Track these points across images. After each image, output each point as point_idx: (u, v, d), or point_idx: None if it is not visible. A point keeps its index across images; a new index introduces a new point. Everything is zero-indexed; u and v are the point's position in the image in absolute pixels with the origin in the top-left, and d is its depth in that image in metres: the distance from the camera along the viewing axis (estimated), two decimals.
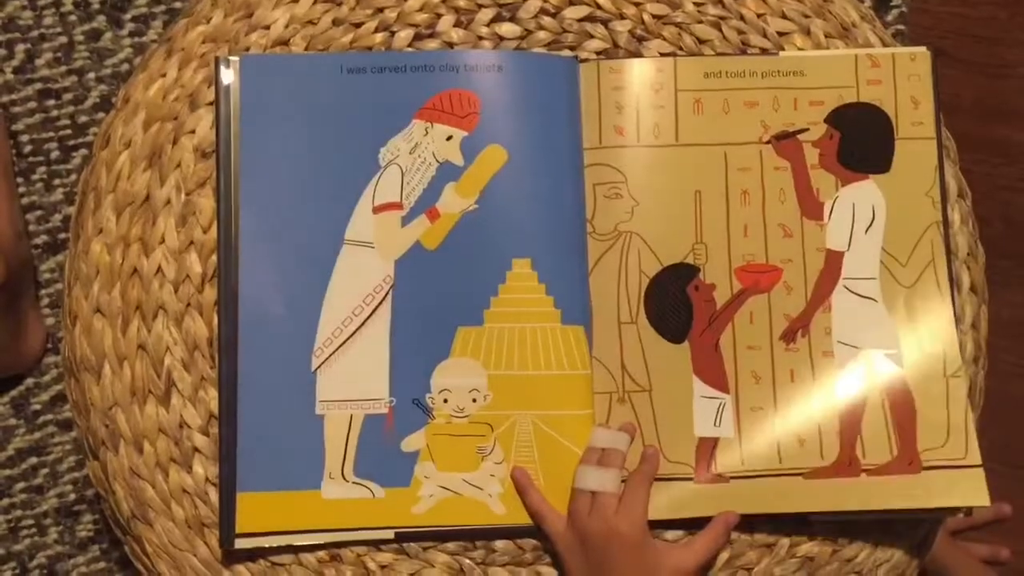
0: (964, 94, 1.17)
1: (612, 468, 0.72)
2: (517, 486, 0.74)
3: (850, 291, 0.76)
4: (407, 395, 0.74)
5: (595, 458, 0.73)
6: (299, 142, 0.76)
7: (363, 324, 0.75)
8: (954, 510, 0.75)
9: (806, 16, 0.80)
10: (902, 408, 0.75)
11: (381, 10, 0.78)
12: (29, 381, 1.07)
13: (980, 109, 1.17)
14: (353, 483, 0.73)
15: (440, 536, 0.75)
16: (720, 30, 0.79)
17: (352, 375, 0.74)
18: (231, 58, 0.76)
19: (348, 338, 0.74)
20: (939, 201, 0.77)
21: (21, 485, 1.05)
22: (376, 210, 0.75)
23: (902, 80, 0.78)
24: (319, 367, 0.74)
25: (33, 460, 1.06)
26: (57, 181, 1.09)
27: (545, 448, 0.74)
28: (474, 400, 0.74)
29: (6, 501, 1.05)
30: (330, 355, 0.74)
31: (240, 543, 0.73)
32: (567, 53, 0.78)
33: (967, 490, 0.74)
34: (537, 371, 0.74)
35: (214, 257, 0.75)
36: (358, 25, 0.78)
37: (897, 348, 0.76)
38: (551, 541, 0.73)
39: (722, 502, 0.74)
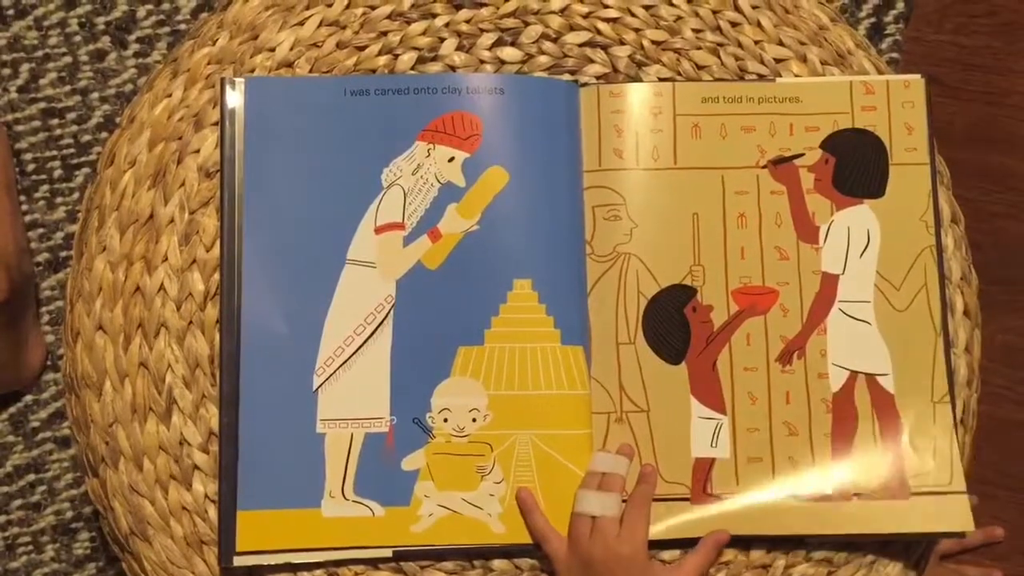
0: (957, 121, 1.18)
1: (613, 492, 0.72)
2: (522, 506, 0.74)
3: (845, 314, 0.77)
4: (407, 414, 0.75)
5: (595, 482, 0.73)
6: (302, 163, 0.76)
7: (364, 343, 0.75)
8: (943, 534, 0.76)
9: (802, 43, 0.81)
10: (891, 432, 0.76)
11: (385, 33, 0.79)
12: (28, 398, 1.07)
13: (973, 136, 1.18)
14: (353, 501, 0.74)
15: (438, 555, 0.75)
16: (718, 56, 0.80)
17: (353, 394, 0.75)
18: (236, 79, 0.77)
19: (349, 357, 0.75)
20: (933, 226, 0.78)
21: (18, 502, 1.05)
22: (378, 230, 0.76)
23: (896, 106, 0.79)
24: (320, 386, 0.75)
25: (31, 477, 1.06)
26: (59, 199, 1.09)
27: (544, 468, 0.74)
28: (474, 420, 0.75)
29: (3, 518, 1.05)
30: (331, 374, 0.75)
31: (239, 560, 0.73)
32: (568, 77, 0.79)
33: (953, 516, 0.75)
34: (537, 391, 0.75)
35: (216, 275, 0.76)
36: (362, 48, 0.79)
37: (889, 371, 0.76)
38: (552, 563, 0.73)
39: (718, 523, 0.74)
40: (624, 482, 0.74)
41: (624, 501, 0.73)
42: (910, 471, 0.75)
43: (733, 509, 0.75)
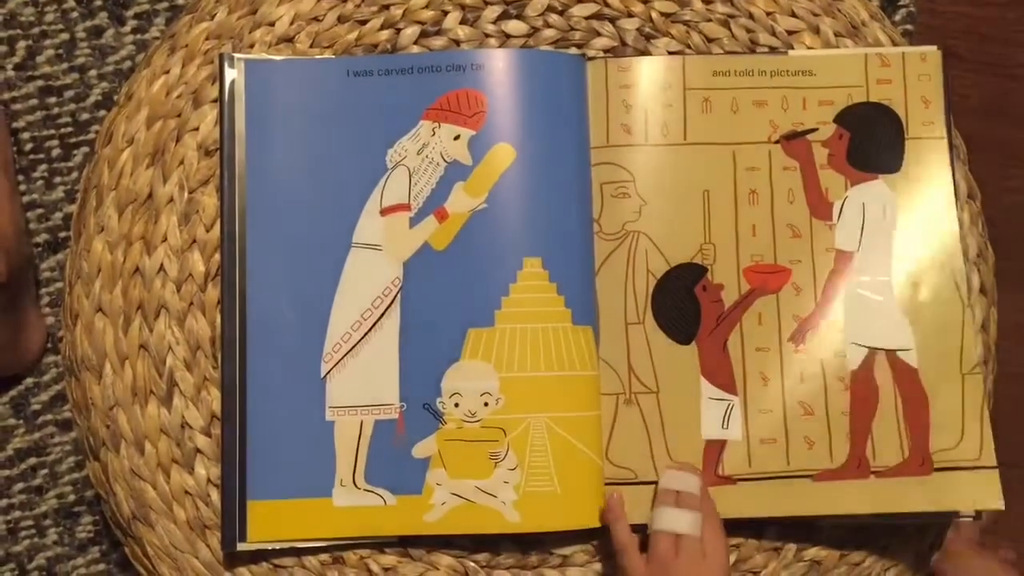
0: (972, 95, 1.16)
1: (695, 510, 0.70)
2: (610, 514, 0.71)
3: (861, 291, 0.75)
4: (418, 399, 0.73)
5: (671, 499, 0.71)
6: (305, 144, 0.75)
7: (372, 328, 0.74)
8: (965, 515, 0.74)
9: (815, 14, 0.79)
10: (915, 407, 0.74)
11: (387, 7, 0.77)
12: (28, 381, 1.06)
13: (988, 110, 1.16)
14: (365, 490, 0.73)
15: (445, 540, 0.74)
16: (729, 28, 0.78)
17: (362, 380, 0.73)
18: (236, 56, 0.75)
19: (357, 343, 0.74)
20: (952, 200, 0.76)
21: (20, 486, 1.04)
22: (384, 212, 0.75)
23: (912, 79, 0.77)
24: (328, 373, 0.73)
25: (32, 461, 1.05)
26: (58, 179, 1.08)
27: (560, 453, 0.73)
28: (486, 404, 0.73)
29: (5, 502, 1.04)
30: (339, 360, 0.73)
31: (242, 546, 0.72)
32: (574, 51, 0.78)
33: (980, 492, 0.73)
34: (550, 372, 0.73)
35: (217, 256, 0.75)
36: (363, 22, 0.77)
37: (911, 347, 0.75)
38: None
39: (729, 505, 0.73)
40: (699, 501, 0.71)
41: None
42: (934, 446, 0.74)
43: (745, 490, 0.73)
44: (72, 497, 1.05)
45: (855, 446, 0.74)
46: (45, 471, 1.05)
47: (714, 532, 0.69)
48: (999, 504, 0.73)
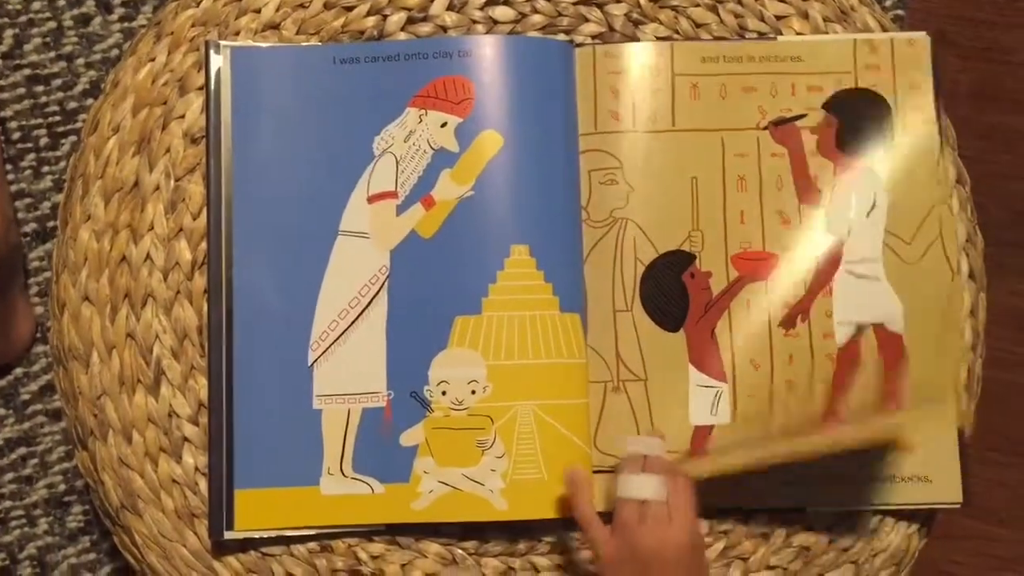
0: (962, 79, 1.16)
1: (659, 475, 0.67)
2: (571, 486, 0.70)
3: (852, 274, 0.75)
4: (405, 388, 0.73)
5: (638, 467, 0.68)
6: (292, 131, 0.74)
7: (359, 316, 0.74)
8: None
9: None
10: (894, 365, 0.74)
11: None
12: (18, 371, 1.06)
13: (979, 95, 1.16)
14: (352, 479, 0.72)
15: (434, 529, 0.74)
16: (717, 13, 0.78)
17: (349, 368, 0.73)
18: (221, 43, 0.74)
19: (344, 331, 0.73)
20: (943, 182, 0.76)
21: (10, 476, 1.04)
22: (371, 199, 0.74)
23: (901, 66, 0.77)
24: (316, 361, 0.73)
25: (22, 450, 1.05)
26: (46, 168, 1.07)
27: (547, 440, 0.73)
28: (473, 392, 0.73)
29: None
30: (327, 348, 0.73)
31: (230, 534, 0.72)
32: (562, 37, 0.77)
33: (935, 427, 0.74)
34: (537, 359, 0.73)
35: (204, 244, 0.74)
36: (350, 8, 0.77)
37: (899, 316, 0.75)
38: (595, 551, 0.67)
39: (714, 488, 0.73)
40: (665, 464, 0.69)
41: None
42: (909, 388, 0.74)
43: (719, 454, 0.73)
44: (62, 487, 1.05)
45: (833, 401, 0.74)
46: (35, 461, 1.05)
47: (679, 496, 0.66)
48: (968, 423, 0.74)
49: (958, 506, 0.75)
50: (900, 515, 0.76)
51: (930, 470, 0.74)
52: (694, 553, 0.65)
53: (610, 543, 0.66)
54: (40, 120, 1.07)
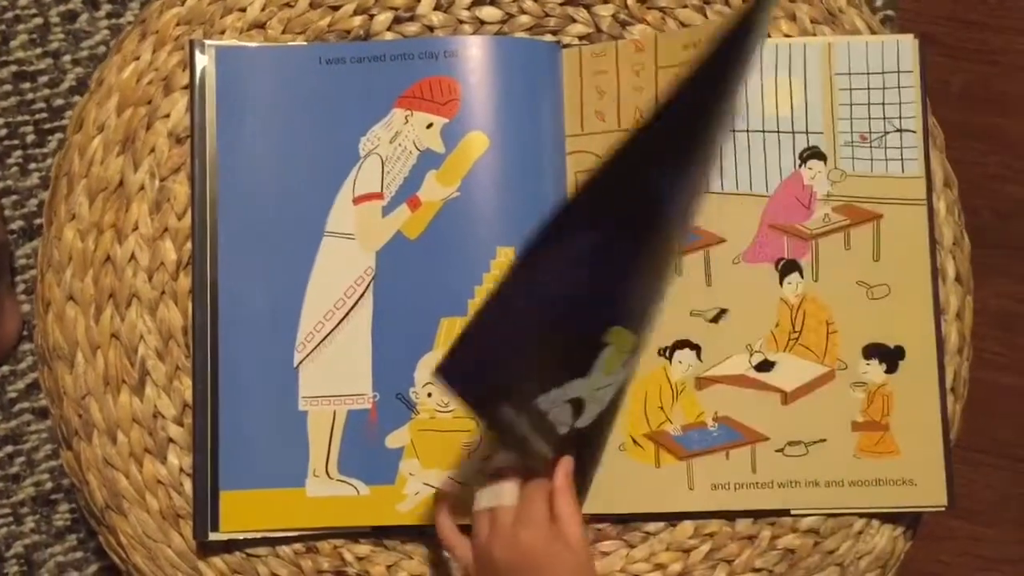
0: (953, 80, 1.16)
1: (507, 480, 0.64)
2: (436, 511, 0.68)
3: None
4: (391, 390, 0.73)
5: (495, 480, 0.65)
6: (277, 132, 0.74)
7: (345, 317, 0.73)
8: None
9: (792, 0, 0.78)
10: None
11: None
12: (5, 368, 1.05)
13: (969, 96, 1.16)
14: (338, 481, 0.72)
15: (419, 530, 0.74)
16: (704, 15, 0.78)
17: (335, 370, 0.73)
18: (206, 43, 0.74)
19: (330, 332, 0.73)
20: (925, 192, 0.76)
21: None
22: (356, 201, 0.74)
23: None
24: (301, 362, 0.73)
25: (9, 448, 1.05)
26: (33, 165, 1.07)
27: None
28: None
29: None
30: (312, 350, 0.73)
31: (215, 535, 0.72)
32: (549, 38, 0.77)
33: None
34: None
35: (189, 244, 0.74)
36: (336, 8, 0.76)
37: None
38: (462, 569, 0.65)
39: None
40: (520, 473, 0.65)
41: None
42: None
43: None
44: (49, 485, 1.05)
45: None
46: (22, 459, 1.05)
47: (534, 499, 0.62)
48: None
49: (943, 509, 0.75)
50: (886, 517, 0.76)
51: (915, 474, 0.74)
52: (551, 552, 0.60)
53: (473, 561, 0.64)
54: (27, 117, 1.07)
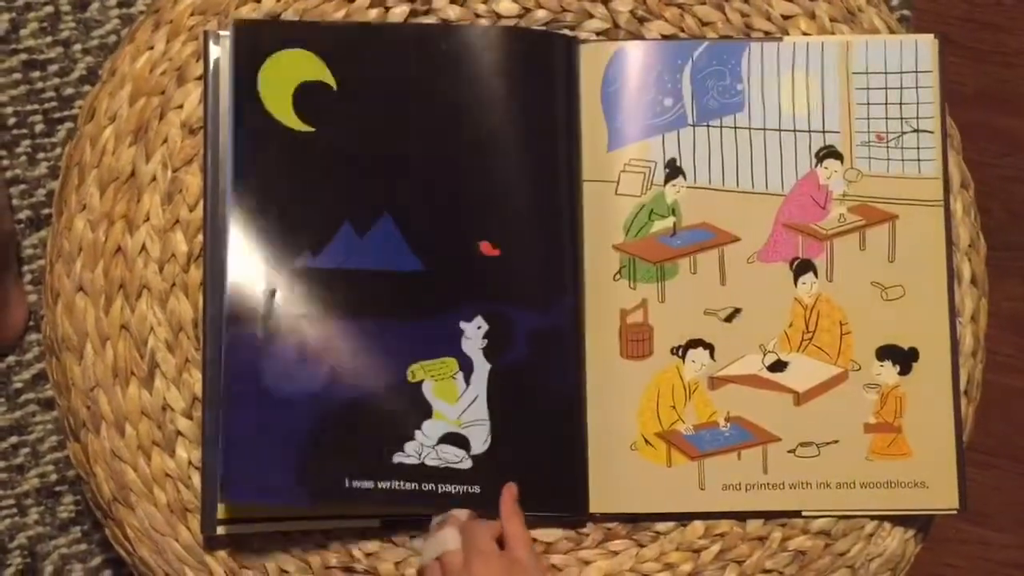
0: (969, 82, 1.15)
1: (447, 527, 0.67)
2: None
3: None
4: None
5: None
6: None
7: None
8: None
9: None
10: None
11: None
12: (11, 359, 1.05)
13: (985, 98, 1.15)
14: None
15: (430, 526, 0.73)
16: (723, 12, 0.77)
17: None
18: (221, 33, 0.74)
19: None
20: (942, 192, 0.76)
21: (1, 464, 1.04)
22: None
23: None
24: None
25: (14, 439, 1.04)
26: (41, 155, 1.06)
27: None
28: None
29: None
30: None
31: (223, 529, 0.71)
32: (567, 33, 0.76)
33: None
34: None
35: (200, 236, 0.74)
36: (351, 0, 0.76)
37: None
38: None
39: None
40: (463, 519, 0.68)
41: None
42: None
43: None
44: (54, 476, 1.04)
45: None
46: (27, 450, 1.04)
47: (476, 539, 0.65)
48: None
49: (955, 512, 0.74)
50: (897, 520, 0.76)
51: (927, 476, 0.74)
52: None
53: None
54: (36, 106, 1.06)
